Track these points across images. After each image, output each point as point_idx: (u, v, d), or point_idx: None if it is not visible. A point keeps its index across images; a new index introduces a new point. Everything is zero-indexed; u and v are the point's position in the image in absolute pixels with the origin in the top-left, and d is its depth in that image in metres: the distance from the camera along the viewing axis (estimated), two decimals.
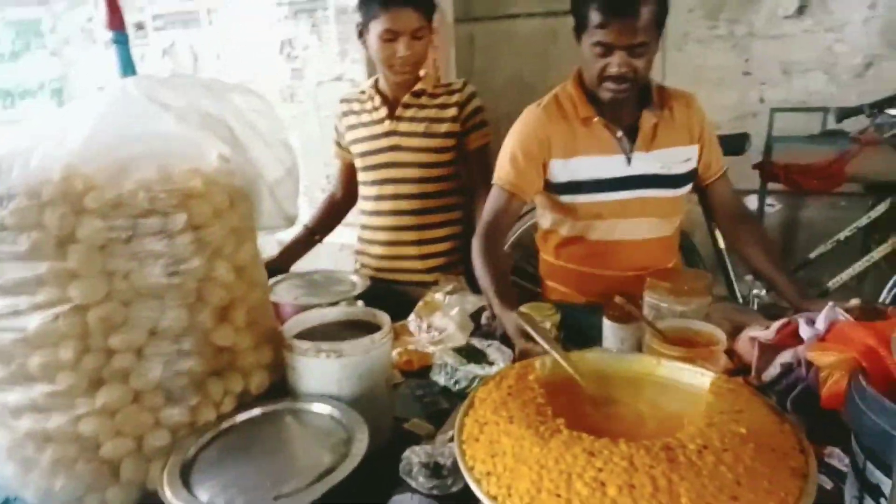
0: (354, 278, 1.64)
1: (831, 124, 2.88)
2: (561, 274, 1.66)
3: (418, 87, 1.74)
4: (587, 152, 1.50)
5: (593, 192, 1.52)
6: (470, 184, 1.80)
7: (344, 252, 1.90)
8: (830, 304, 1.11)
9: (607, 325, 1.30)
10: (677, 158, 1.52)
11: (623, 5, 1.32)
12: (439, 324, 1.44)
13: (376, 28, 1.62)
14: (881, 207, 2.22)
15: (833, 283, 2.21)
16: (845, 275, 2.24)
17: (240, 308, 1.01)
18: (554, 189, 1.54)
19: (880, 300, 2.12)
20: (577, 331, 1.31)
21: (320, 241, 1.92)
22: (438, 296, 1.44)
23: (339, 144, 1.89)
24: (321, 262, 2.03)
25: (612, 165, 1.50)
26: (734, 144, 2.21)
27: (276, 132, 1.17)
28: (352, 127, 1.82)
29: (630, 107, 1.50)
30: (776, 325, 1.15)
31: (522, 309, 1.32)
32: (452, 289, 1.52)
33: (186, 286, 0.90)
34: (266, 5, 2.61)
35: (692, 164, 1.54)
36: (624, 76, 1.38)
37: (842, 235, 2.28)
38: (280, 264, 1.80)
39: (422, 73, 1.77)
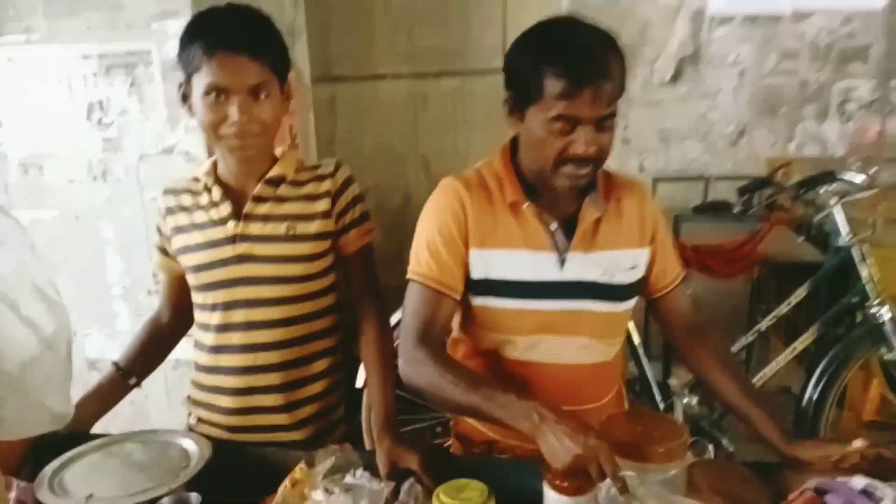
0: (188, 444, 1.16)
1: (711, 194, 2.86)
2: None
3: (274, 172, 1.29)
4: (509, 245, 1.19)
5: (512, 296, 1.20)
6: (350, 298, 1.36)
7: (182, 373, 1.39)
8: (890, 492, 0.81)
9: (552, 498, 0.96)
10: (622, 264, 1.22)
11: (594, 69, 1.05)
12: None
13: (200, 83, 1.17)
14: (800, 292, 2.09)
15: (758, 380, 2.03)
16: (769, 370, 2.07)
17: None
18: (467, 286, 1.22)
19: (806, 396, 1.96)
20: (507, 500, 0.95)
21: (138, 385, 1.37)
22: (317, 494, 0.98)
23: (163, 252, 1.37)
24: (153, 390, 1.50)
25: (540, 266, 1.20)
26: None
27: (30, 278, 0.69)
28: (181, 230, 1.31)
29: (570, 194, 1.19)
30: None
31: (443, 497, 0.94)
32: (334, 465, 1.06)
33: None
34: (67, 58, 2.04)
35: (639, 272, 1.25)
36: (590, 157, 1.09)
37: (763, 326, 2.12)
38: (75, 426, 1.23)
39: (277, 152, 1.33)
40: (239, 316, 1.28)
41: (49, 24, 2.03)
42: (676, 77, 2.86)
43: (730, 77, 2.85)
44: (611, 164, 1.23)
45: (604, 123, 1.09)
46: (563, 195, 1.18)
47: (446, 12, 2.91)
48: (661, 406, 2.08)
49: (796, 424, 1.06)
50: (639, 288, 1.26)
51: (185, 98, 1.23)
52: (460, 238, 1.19)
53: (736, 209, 2.52)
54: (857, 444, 1.02)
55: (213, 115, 1.18)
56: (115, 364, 1.36)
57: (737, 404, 1.19)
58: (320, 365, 1.34)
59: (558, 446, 0.93)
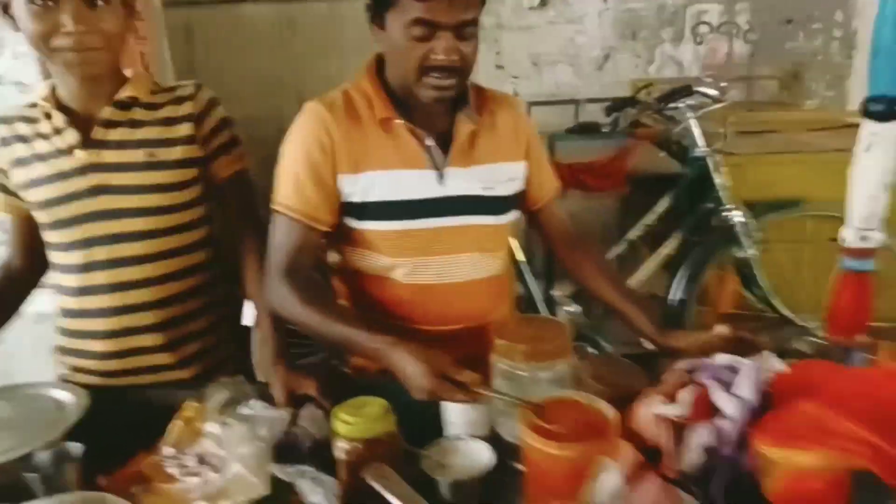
0: (60, 394, 1.08)
1: (582, 116, 2.95)
2: None
3: (124, 93, 1.17)
4: (385, 165, 1.16)
5: (393, 217, 1.18)
6: (227, 230, 1.28)
7: (47, 327, 1.27)
8: (749, 363, 0.89)
9: (449, 408, 1.01)
10: (501, 176, 1.24)
11: None
12: (216, 457, 0.94)
13: None
14: (663, 202, 2.24)
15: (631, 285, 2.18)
16: (638, 277, 2.23)
17: None
18: (344, 211, 1.19)
19: (672, 297, 2.14)
20: (407, 416, 0.97)
21: None
22: (212, 426, 0.94)
23: (3, 189, 1.22)
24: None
25: (419, 183, 1.18)
26: None
27: None
28: (20, 162, 1.17)
29: (442, 109, 1.18)
30: (685, 394, 0.91)
31: (342, 415, 0.93)
32: (228, 399, 1.02)
33: None
34: None
35: (518, 185, 1.27)
36: (453, 66, 1.08)
37: (633, 235, 2.26)
38: None
39: (128, 72, 1.21)
40: (102, 253, 1.17)
41: None
42: (544, 1, 2.90)
43: (594, 2, 2.92)
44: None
45: (464, 31, 1.07)
46: (435, 110, 1.17)
47: None
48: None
49: (665, 323, 1.17)
50: (518, 200, 1.29)
51: (6, 8, 1.08)
52: (327, 167, 1.15)
53: (605, 129, 2.65)
54: (720, 329, 1.13)
55: (42, 25, 1.05)
56: None
57: (615, 304, 1.26)
58: (198, 301, 1.27)
59: (411, 382, 0.97)
